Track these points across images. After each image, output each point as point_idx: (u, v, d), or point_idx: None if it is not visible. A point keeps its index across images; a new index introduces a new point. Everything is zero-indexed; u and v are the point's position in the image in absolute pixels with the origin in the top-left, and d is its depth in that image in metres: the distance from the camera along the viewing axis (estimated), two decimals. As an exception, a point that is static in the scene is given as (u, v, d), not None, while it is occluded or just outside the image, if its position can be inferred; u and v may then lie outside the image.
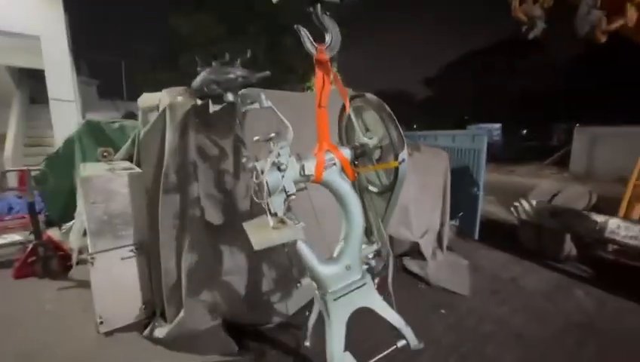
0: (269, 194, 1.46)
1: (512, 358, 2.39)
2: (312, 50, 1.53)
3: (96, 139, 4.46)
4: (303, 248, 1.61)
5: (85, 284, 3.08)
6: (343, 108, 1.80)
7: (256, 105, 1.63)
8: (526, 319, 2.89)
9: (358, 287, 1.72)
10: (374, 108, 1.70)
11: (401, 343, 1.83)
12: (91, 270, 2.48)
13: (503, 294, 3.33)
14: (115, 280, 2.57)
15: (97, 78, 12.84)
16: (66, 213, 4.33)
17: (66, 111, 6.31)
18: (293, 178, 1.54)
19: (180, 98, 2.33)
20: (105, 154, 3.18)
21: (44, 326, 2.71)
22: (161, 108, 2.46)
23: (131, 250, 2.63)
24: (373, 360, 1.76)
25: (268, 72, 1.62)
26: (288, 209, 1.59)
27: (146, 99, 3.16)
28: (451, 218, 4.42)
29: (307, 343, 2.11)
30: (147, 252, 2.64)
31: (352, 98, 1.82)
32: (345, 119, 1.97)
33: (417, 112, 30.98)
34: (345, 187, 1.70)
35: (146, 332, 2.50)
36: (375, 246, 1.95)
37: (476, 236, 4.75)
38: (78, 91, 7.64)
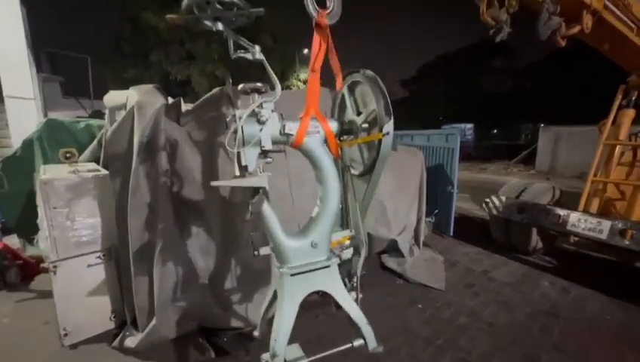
0: (243, 143, 1.40)
1: (484, 346, 2.49)
2: (314, 13, 1.50)
3: (60, 139, 4.17)
4: (268, 212, 1.52)
5: (47, 295, 2.87)
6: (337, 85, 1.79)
7: (248, 55, 1.52)
8: (496, 309, 3.03)
9: (320, 268, 1.61)
10: (367, 80, 1.67)
11: (357, 342, 1.68)
12: (53, 279, 2.31)
13: (476, 287, 3.47)
14: (80, 288, 2.42)
15: (61, 75, 12.05)
16: (24, 220, 4.03)
17: (25, 110, 5.87)
18: (272, 134, 1.49)
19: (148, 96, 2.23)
20: (68, 155, 2.97)
21: (2, 341, 2.50)
22: (128, 107, 2.34)
23: (99, 257, 2.49)
24: (321, 355, 1.61)
25: (262, 9, 1.48)
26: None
27: (113, 97, 3.01)
28: (427, 215, 4.55)
29: (256, 333, 1.94)
30: (116, 258, 2.51)
31: (348, 73, 1.80)
32: (339, 97, 1.93)
33: (395, 112, 31.49)
34: (325, 159, 1.65)
35: (116, 342, 2.37)
36: (348, 233, 1.87)
37: (451, 232, 4.91)
38: (39, 89, 7.14)
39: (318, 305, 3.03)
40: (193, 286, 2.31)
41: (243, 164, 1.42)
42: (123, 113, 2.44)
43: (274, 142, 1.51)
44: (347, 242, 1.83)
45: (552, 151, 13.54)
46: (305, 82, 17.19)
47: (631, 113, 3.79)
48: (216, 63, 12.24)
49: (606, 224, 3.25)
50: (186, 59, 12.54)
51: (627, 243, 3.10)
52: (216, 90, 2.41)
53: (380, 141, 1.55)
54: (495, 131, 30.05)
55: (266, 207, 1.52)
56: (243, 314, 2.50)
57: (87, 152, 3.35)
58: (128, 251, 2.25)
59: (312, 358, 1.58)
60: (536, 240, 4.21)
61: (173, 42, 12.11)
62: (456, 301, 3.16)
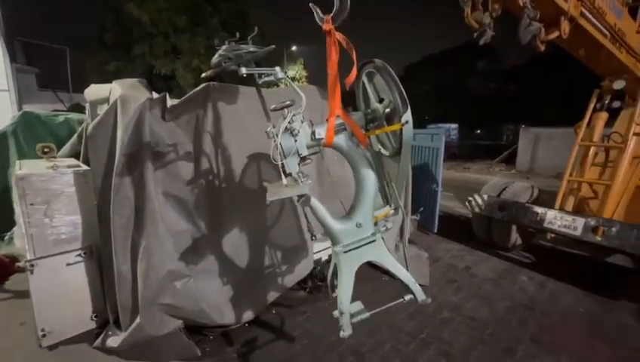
0: (284, 156, 1.62)
1: (466, 339, 2.58)
2: (321, 23, 1.62)
3: (36, 133, 4.01)
4: (317, 204, 1.76)
5: (23, 295, 2.78)
6: (357, 75, 1.89)
7: (271, 78, 1.76)
8: (478, 303, 3.13)
9: (368, 243, 1.85)
10: (379, 71, 1.77)
11: (407, 297, 1.95)
12: (30, 278, 2.23)
13: (459, 282, 3.58)
14: (59, 288, 2.33)
15: (37, 66, 11.48)
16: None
17: (-2, 101, 5.59)
18: (306, 142, 1.68)
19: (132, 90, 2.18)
20: (46, 150, 2.86)
21: (-27, 344, 2.39)
22: (111, 101, 2.28)
23: (79, 255, 2.41)
24: (377, 309, 1.90)
25: (273, 46, 1.79)
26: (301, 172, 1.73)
27: (95, 90, 2.92)
28: (412, 213, 4.64)
29: (334, 294, 2.16)
30: (98, 256, 2.45)
31: (363, 64, 1.91)
32: (360, 86, 2.04)
33: (382, 112, 31.79)
34: (355, 150, 1.82)
35: (97, 342, 2.31)
36: (388, 208, 2.07)
37: (435, 229, 5.03)
38: (13, 80, 6.81)
39: (304, 301, 3.06)
40: (180, 283, 2.27)
41: (287, 172, 1.65)
42: (105, 107, 2.37)
43: (308, 148, 1.70)
44: (391, 212, 2.07)
45: (531, 151, 14.00)
46: (293, 79, 17.15)
47: (604, 116, 3.98)
48: (202, 58, 11.98)
49: (580, 221, 3.42)
50: (171, 53, 12.23)
51: (599, 239, 3.27)
52: (202, 85, 2.37)
53: (401, 130, 1.70)
54: (478, 131, 30.87)
55: (314, 201, 1.74)
56: (230, 311, 2.49)
57: (66, 147, 3.24)
58: (111, 249, 2.19)
59: (372, 312, 1.86)
60: (515, 237, 4.38)
61: (157, 35, 11.78)
62: (439, 296, 3.25)
